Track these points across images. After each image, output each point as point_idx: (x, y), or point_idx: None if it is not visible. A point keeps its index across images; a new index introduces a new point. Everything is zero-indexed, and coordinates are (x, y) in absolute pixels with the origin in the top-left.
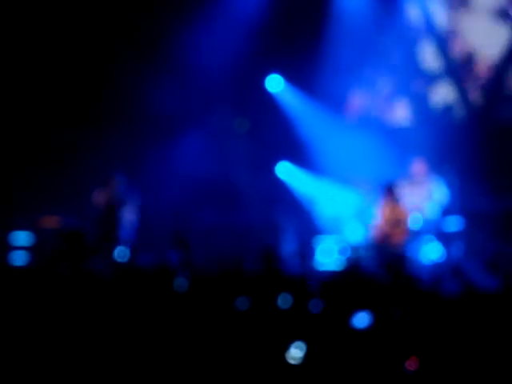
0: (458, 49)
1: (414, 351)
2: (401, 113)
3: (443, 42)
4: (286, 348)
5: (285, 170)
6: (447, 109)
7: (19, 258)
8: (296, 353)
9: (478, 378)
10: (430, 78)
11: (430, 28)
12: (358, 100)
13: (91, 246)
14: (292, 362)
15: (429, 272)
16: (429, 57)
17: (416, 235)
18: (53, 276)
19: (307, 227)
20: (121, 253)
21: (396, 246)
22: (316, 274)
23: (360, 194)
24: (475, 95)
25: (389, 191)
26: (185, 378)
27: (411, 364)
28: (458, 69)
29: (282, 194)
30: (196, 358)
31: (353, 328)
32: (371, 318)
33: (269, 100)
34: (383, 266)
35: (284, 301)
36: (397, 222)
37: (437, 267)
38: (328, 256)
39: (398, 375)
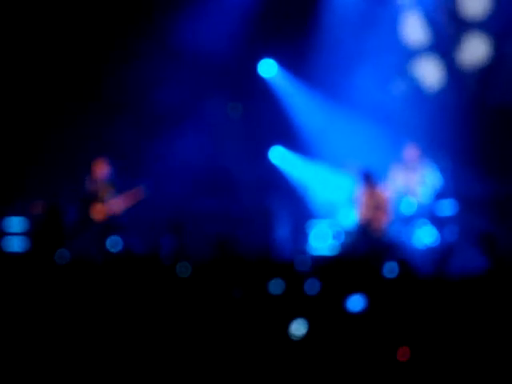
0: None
1: (407, 336)
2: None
3: (433, 14)
4: (287, 325)
5: (278, 155)
6: (441, 92)
7: (14, 244)
8: (298, 329)
9: (474, 366)
10: (418, 54)
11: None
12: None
13: (72, 227)
14: (294, 338)
15: (422, 256)
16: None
17: (409, 219)
18: (49, 262)
19: (301, 212)
20: (113, 242)
21: (378, 231)
22: (309, 259)
23: (353, 178)
24: (469, 78)
25: (366, 177)
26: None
27: (403, 354)
28: (448, 43)
29: (276, 179)
30: (200, 342)
31: (347, 311)
32: (365, 302)
33: (262, 85)
34: (367, 250)
35: (276, 286)
36: (377, 207)
37: (431, 251)
38: (322, 240)
39: (391, 359)
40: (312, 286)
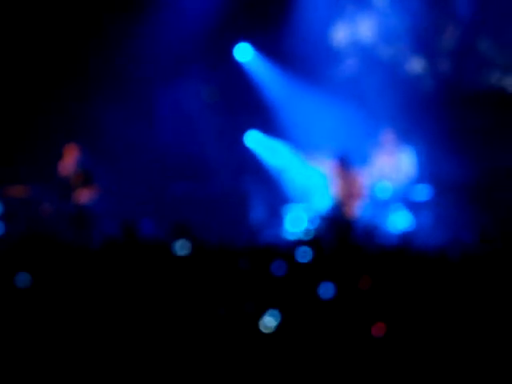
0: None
1: (381, 317)
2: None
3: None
4: (260, 316)
5: (254, 139)
6: (417, 77)
7: None
8: (270, 321)
9: (447, 343)
10: (400, 49)
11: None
12: None
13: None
14: (265, 330)
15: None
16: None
17: (384, 204)
18: (31, 248)
19: (276, 196)
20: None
21: (352, 215)
22: (284, 243)
23: (328, 161)
24: (444, 63)
25: (341, 161)
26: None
27: (378, 330)
28: (429, 42)
29: (251, 163)
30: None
31: (319, 298)
32: (335, 288)
33: (238, 69)
34: (332, 233)
35: (279, 268)
36: (351, 192)
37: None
38: (297, 225)
39: (367, 341)
40: (279, 268)
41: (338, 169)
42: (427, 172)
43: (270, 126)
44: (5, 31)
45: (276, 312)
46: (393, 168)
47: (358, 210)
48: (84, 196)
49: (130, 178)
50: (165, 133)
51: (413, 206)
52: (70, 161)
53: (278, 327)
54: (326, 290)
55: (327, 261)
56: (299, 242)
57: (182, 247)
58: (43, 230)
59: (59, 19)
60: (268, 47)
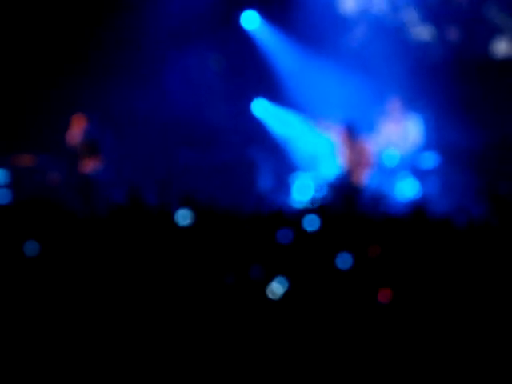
0: None
1: (391, 285)
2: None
3: None
4: (267, 283)
5: (261, 108)
6: (425, 45)
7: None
8: (277, 288)
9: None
10: (408, 17)
11: None
12: None
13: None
14: (272, 297)
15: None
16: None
17: (391, 172)
18: (35, 216)
19: (284, 165)
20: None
21: (359, 183)
22: (291, 211)
23: (335, 130)
24: (453, 31)
25: (348, 129)
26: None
27: (384, 296)
28: (437, 10)
29: (259, 132)
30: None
31: (326, 266)
32: (353, 259)
33: (245, 37)
34: (340, 201)
35: (286, 236)
36: (358, 160)
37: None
38: (304, 193)
39: (375, 309)
40: (286, 236)
41: (345, 137)
42: (434, 139)
43: (278, 93)
44: (15, 7)
45: (283, 279)
46: (400, 136)
47: (365, 178)
48: (90, 166)
49: (138, 147)
50: (172, 101)
51: (420, 174)
52: (77, 130)
53: (286, 294)
54: (344, 261)
55: (334, 229)
56: (306, 211)
57: (183, 217)
58: (48, 197)
59: None
60: (275, 15)
